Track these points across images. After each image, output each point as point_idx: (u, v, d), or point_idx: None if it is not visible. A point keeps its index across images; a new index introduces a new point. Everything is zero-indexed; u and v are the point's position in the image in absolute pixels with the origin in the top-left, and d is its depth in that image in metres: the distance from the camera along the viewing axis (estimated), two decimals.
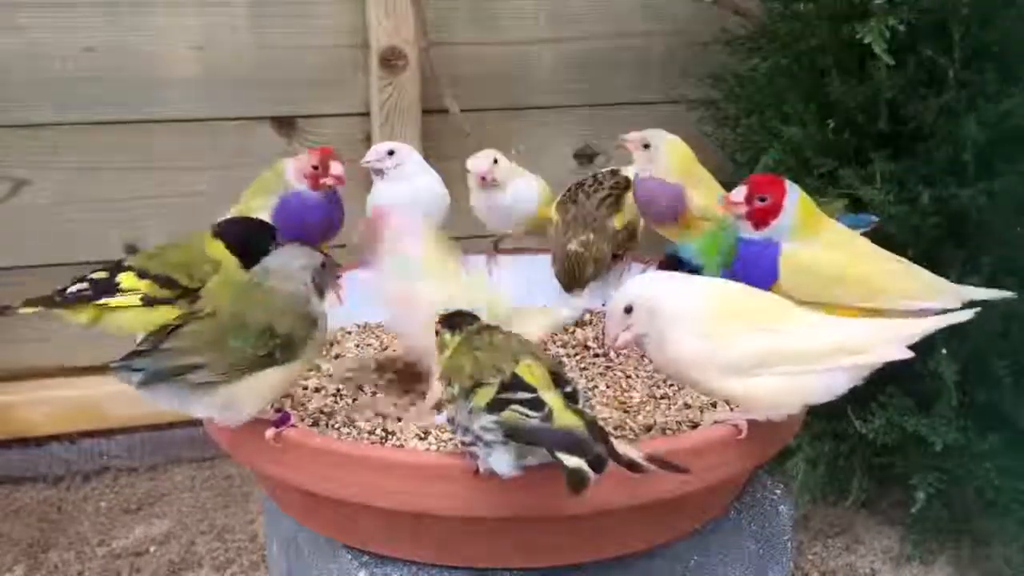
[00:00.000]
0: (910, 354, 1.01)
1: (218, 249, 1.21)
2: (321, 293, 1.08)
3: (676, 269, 1.26)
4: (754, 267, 1.13)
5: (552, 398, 0.89)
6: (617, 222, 1.46)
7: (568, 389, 0.91)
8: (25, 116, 1.80)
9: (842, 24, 1.56)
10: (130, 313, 1.18)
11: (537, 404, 0.88)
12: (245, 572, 1.65)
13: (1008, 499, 1.52)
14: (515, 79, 2.01)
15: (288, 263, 1.08)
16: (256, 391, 1.01)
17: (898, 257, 1.19)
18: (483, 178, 1.47)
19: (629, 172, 1.52)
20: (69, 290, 1.20)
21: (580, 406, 0.90)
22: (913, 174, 1.54)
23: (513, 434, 0.86)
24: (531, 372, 0.92)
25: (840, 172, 1.58)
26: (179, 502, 1.83)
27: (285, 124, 1.92)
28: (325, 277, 1.09)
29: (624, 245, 1.48)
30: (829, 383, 1.02)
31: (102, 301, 1.18)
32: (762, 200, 1.14)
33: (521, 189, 1.51)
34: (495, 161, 1.48)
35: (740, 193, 1.15)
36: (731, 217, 1.17)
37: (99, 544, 1.71)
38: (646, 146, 1.36)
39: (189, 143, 1.87)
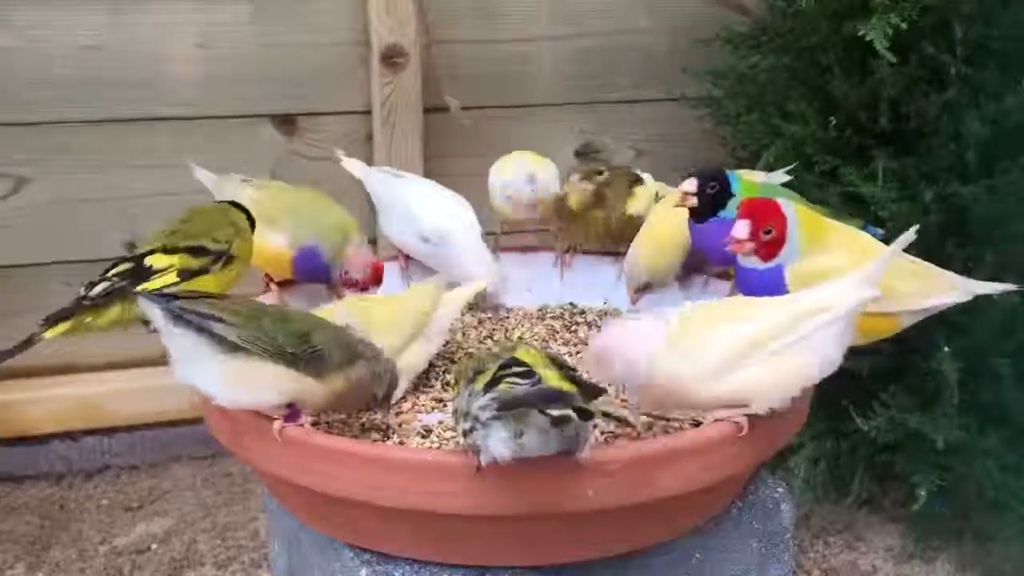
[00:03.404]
0: (877, 293, 1.01)
1: (240, 217, 1.27)
2: (374, 378, 1.09)
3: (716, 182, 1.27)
4: (760, 292, 1.12)
5: (547, 373, 0.90)
6: (629, 207, 1.47)
7: (565, 366, 0.93)
8: (26, 114, 1.79)
9: (844, 21, 1.56)
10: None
11: (529, 374, 0.89)
12: (247, 570, 1.65)
13: (1010, 497, 1.52)
14: (516, 77, 2.01)
15: (375, 351, 1.10)
16: (265, 379, 1.01)
17: (908, 256, 1.19)
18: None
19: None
20: (92, 293, 1.16)
21: (575, 376, 0.91)
22: (915, 171, 1.54)
23: (505, 404, 0.86)
24: (529, 354, 0.94)
25: (842, 170, 1.58)
26: (181, 500, 1.83)
27: (286, 122, 1.91)
28: (383, 383, 1.09)
29: (628, 237, 1.48)
30: (819, 353, 1.01)
31: (139, 288, 1.14)
32: (767, 233, 1.13)
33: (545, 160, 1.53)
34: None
35: (744, 229, 1.13)
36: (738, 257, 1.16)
37: (100, 542, 1.71)
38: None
39: (190, 141, 1.87)
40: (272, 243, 1.36)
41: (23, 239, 1.83)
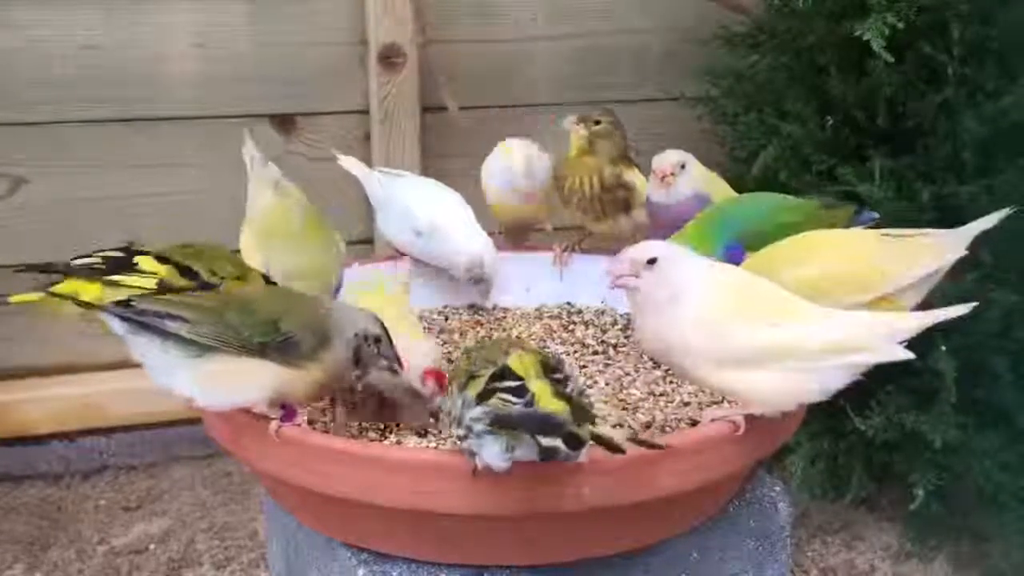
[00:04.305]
0: (910, 355, 1.01)
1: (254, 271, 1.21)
2: (357, 362, 1.05)
3: None
4: None
5: (538, 386, 0.89)
6: (626, 173, 1.47)
7: (558, 376, 0.92)
8: (24, 114, 1.80)
9: (841, 21, 1.56)
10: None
11: (521, 391, 0.89)
12: (245, 570, 1.65)
13: (1007, 496, 1.52)
14: (514, 76, 2.01)
15: (349, 305, 1.08)
16: (239, 375, 0.99)
17: (881, 235, 1.18)
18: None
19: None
20: (75, 262, 1.14)
21: (569, 390, 0.90)
22: (912, 171, 1.54)
23: (497, 421, 0.87)
24: (521, 362, 0.93)
25: (839, 169, 1.58)
26: (179, 500, 1.83)
27: (284, 122, 1.92)
28: (370, 351, 1.05)
29: (619, 203, 1.47)
30: (826, 380, 1.01)
31: (115, 277, 1.13)
32: None
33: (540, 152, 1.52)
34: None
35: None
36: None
37: (99, 542, 1.71)
38: (683, 166, 1.37)
39: (188, 141, 1.87)
40: (254, 261, 1.33)
41: (21, 239, 1.83)
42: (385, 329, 1.07)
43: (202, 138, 1.87)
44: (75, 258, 1.16)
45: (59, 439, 1.89)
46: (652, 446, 0.91)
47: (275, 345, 0.99)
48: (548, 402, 0.88)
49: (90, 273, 1.13)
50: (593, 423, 0.88)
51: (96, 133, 1.83)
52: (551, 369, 0.93)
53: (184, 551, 1.68)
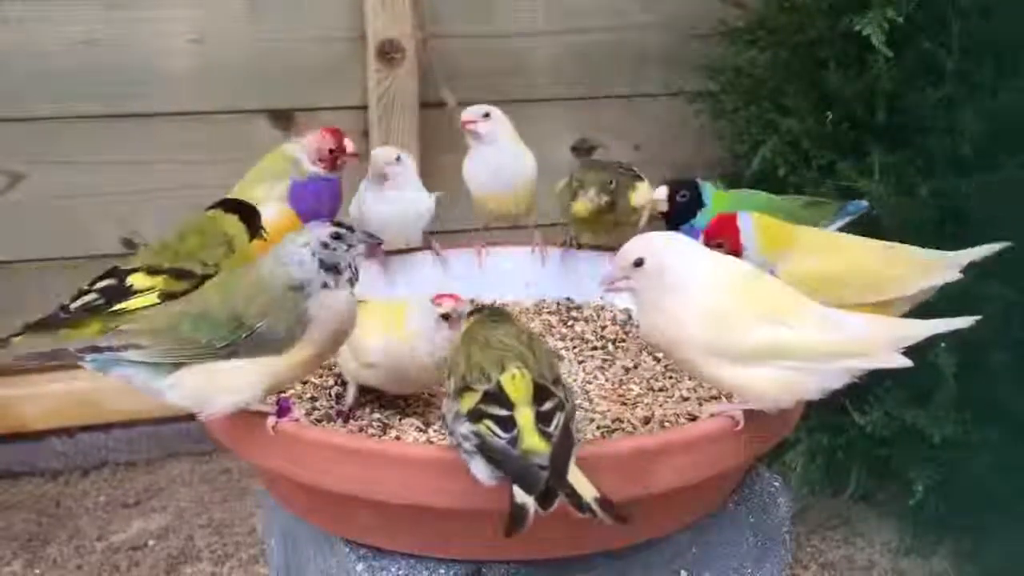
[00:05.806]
0: (909, 363, 1.01)
1: (233, 223, 1.20)
2: (333, 269, 0.98)
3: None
4: None
5: (525, 416, 0.89)
6: (632, 199, 1.46)
7: (547, 407, 0.90)
8: (22, 109, 1.79)
9: (840, 16, 1.56)
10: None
11: (508, 424, 0.88)
12: (243, 566, 1.65)
13: (1006, 492, 1.52)
14: (513, 72, 2.01)
15: (288, 243, 0.99)
16: (218, 384, 0.97)
17: (885, 243, 1.19)
18: (468, 123, 1.44)
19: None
20: (73, 305, 1.14)
21: (553, 427, 0.89)
22: (911, 166, 1.54)
23: (482, 447, 0.88)
24: (514, 383, 0.91)
25: (838, 164, 1.58)
26: (177, 496, 1.83)
27: (282, 117, 1.91)
28: (338, 251, 0.97)
29: (629, 228, 1.47)
30: (826, 380, 1.01)
31: (118, 307, 1.14)
32: (719, 247, 1.13)
33: (518, 151, 1.50)
34: (487, 115, 1.45)
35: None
36: None
37: (98, 538, 1.71)
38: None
39: (186, 136, 1.87)
40: None
41: (19, 235, 1.82)
42: (334, 224, 1.00)
43: (200, 133, 1.87)
44: (72, 299, 1.15)
45: (58, 435, 1.89)
46: (621, 519, 0.88)
47: (245, 343, 0.97)
48: (531, 439, 0.87)
49: (89, 314, 1.14)
50: (565, 470, 0.87)
51: (94, 129, 1.83)
52: (545, 393, 0.91)
53: (183, 547, 1.68)
